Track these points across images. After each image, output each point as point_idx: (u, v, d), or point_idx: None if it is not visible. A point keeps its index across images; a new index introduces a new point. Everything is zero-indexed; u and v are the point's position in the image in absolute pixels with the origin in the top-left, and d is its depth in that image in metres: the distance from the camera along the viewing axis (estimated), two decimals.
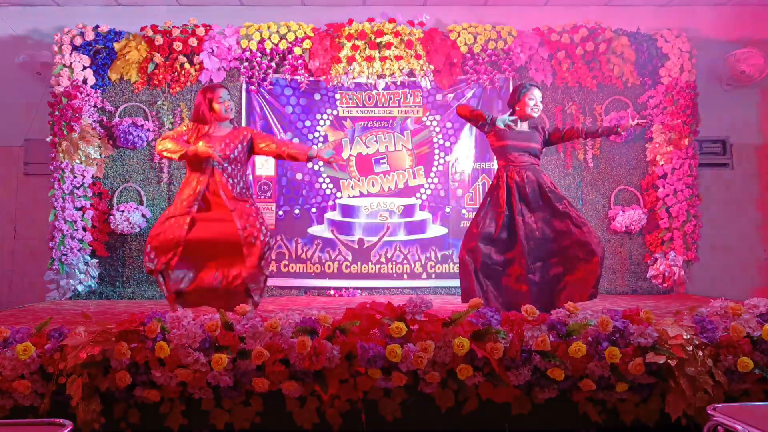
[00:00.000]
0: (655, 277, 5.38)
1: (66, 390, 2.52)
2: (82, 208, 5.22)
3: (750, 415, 1.84)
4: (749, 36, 5.79)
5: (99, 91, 5.39)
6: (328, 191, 5.54)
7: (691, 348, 2.58)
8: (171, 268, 3.64)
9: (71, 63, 5.28)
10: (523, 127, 3.93)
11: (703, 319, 2.73)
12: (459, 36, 5.47)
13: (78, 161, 5.20)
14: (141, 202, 5.39)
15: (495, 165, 5.51)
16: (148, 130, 5.38)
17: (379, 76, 5.49)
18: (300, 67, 5.43)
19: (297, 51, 5.41)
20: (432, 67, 5.46)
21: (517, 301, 3.55)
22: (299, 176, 5.52)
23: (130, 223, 5.25)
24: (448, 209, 5.55)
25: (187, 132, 3.78)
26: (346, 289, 5.39)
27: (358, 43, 5.42)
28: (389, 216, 5.51)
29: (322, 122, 5.57)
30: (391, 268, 5.48)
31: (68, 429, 1.81)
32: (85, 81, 5.32)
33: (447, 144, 5.58)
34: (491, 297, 3.70)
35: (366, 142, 5.57)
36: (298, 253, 5.46)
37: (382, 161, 5.57)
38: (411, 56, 5.44)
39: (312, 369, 2.54)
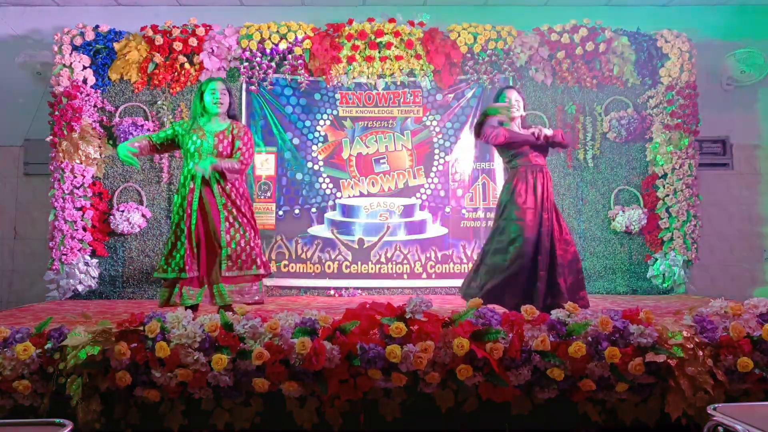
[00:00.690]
0: (655, 277, 5.38)
1: (66, 390, 2.52)
2: (82, 208, 5.22)
3: (750, 415, 1.84)
4: (749, 36, 5.80)
5: (99, 91, 5.39)
6: (328, 191, 5.54)
7: (691, 348, 2.58)
8: None
9: (71, 63, 5.28)
10: (516, 128, 3.90)
11: (703, 319, 2.73)
12: (459, 36, 5.47)
13: (78, 161, 5.20)
14: (141, 202, 5.39)
15: (495, 165, 5.53)
16: (148, 130, 5.38)
17: (379, 76, 5.49)
18: (300, 67, 5.43)
19: (297, 51, 5.41)
20: (432, 67, 5.46)
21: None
22: (299, 176, 5.53)
23: (130, 223, 5.25)
24: (448, 209, 5.55)
25: (171, 131, 3.86)
26: (346, 289, 5.39)
27: (358, 43, 5.42)
28: (389, 216, 5.51)
29: (322, 122, 5.57)
30: (391, 268, 5.48)
31: (68, 429, 1.81)
32: (85, 81, 5.32)
33: (447, 144, 5.58)
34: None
35: (366, 142, 5.57)
36: (298, 253, 5.46)
37: (382, 161, 5.57)
38: (411, 56, 5.44)
39: (312, 369, 2.54)
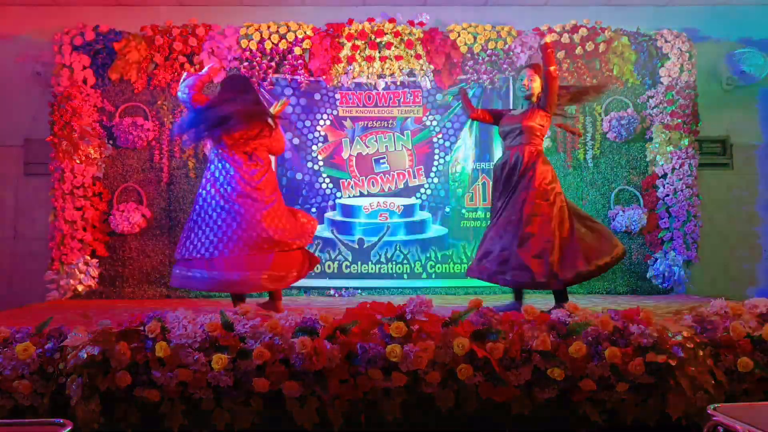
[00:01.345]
0: (655, 277, 5.38)
1: (66, 390, 2.51)
2: (82, 208, 5.22)
3: (750, 415, 1.84)
4: (749, 36, 5.80)
5: (99, 91, 5.39)
6: (328, 191, 5.54)
7: (691, 348, 2.58)
8: None
9: (71, 63, 5.28)
10: (524, 106, 3.98)
11: (703, 319, 2.73)
12: (459, 36, 5.47)
13: (78, 161, 5.20)
14: (141, 202, 5.39)
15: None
16: (148, 130, 5.38)
17: (379, 76, 5.49)
18: (300, 67, 5.43)
19: (297, 51, 5.41)
20: (432, 67, 5.46)
21: None
22: (299, 176, 5.53)
23: (130, 223, 5.25)
24: (448, 209, 5.55)
25: None
26: (346, 289, 5.39)
27: (358, 43, 5.42)
28: (389, 216, 5.51)
29: (322, 122, 5.57)
30: (391, 268, 5.48)
31: (68, 429, 1.81)
32: (85, 81, 5.32)
33: (447, 144, 5.58)
34: None
35: (366, 142, 5.57)
36: None
37: (382, 161, 5.57)
38: (411, 56, 5.44)
39: (312, 369, 2.54)
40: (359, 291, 5.38)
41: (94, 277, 5.26)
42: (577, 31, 5.43)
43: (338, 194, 5.53)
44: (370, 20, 5.49)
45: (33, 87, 5.60)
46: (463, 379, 2.58)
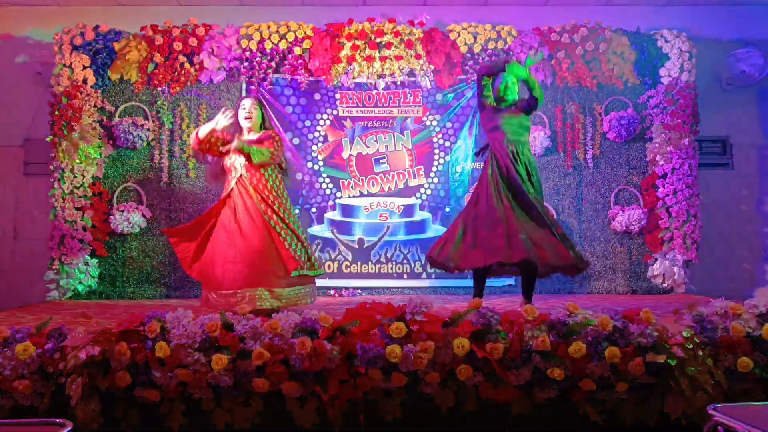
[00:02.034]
0: (655, 277, 5.38)
1: (66, 390, 2.51)
2: (82, 208, 5.22)
3: (750, 415, 1.84)
4: (749, 36, 5.80)
5: (99, 91, 5.39)
6: (328, 191, 5.54)
7: (691, 348, 2.58)
8: None
9: (71, 63, 5.28)
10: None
11: (703, 319, 2.73)
12: (459, 36, 5.47)
13: (78, 161, 5.20)
14: (141, 202, 5.39)
15: None
16: (148, 130, 5.38)
17: (379, 76, 5.49)
18: (300, 67, 5.43)
19: (297, 51, 5.41)
20: (432, 67, 5.46)
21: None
22: (299, 176, 5.53)
23: (130, 223, 5.25)
24: (448, 209, 5.55)
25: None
26: (346, 289, 5.39)
27: (358, 43, 5.42)
28: (389, 216, 5.51)
29: (322, 122, 5.57)
30: (391, 268, 5.48)
31: (68, 429, 1.81)
32: (85, 81, 5.31)
33: (447, 144, 5.58)
34: None
35: (366, 142, 5.57)
36: None
37: (382, 161, 5.57)
38: (411, 56, 5.44)
39: (312, 369, 2.54)
40: (359, 291, 5.38)
41: (94, 277, 5.26)
42: (577, 31, 5.43)
43: (338, 194, 5.53)
44: (370, 20, 5.49)
45: (33, 87, 5.60)
46: (463, 380, 2.58)
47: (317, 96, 5.56)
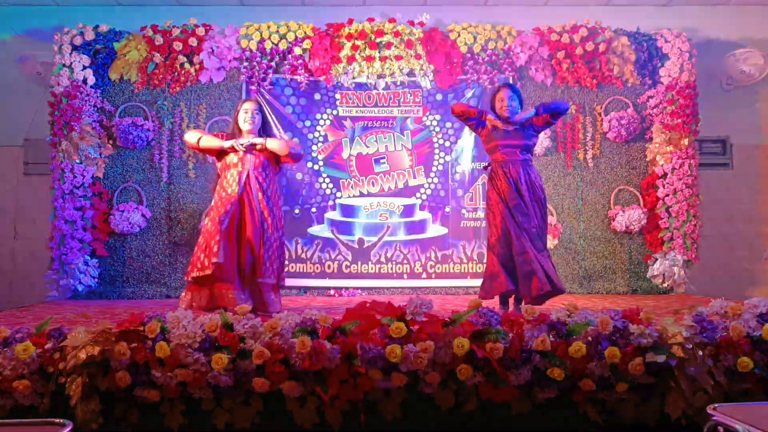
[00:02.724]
0: (655, 277, 5.38)
1: (66, 390, 2.51)
2: (82, 208, 5.22)
3: (750, 415, 1.84)
4: (749, 36, 5.80)
5: (99, 91, 5.40)
6: (328, 191, 5.54)
7: (691, 348, 2.58)
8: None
9: (71, 63, 5.28)
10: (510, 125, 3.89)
11: (703, 319, 2.73)
12: (459, 36, 5.48)
13: (78, 161, 5.20)
14: (141, 202, 5.39)
15: None
16: (148, 130, 5.38)
17: (379, 76, 5.50)
18: (300, 67, 5.44)
19: (297, 51, 5.41)
20: (432, 67, 5.47)
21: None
22: (299, 176, 5.53)
23: (130, 223, 5.25)
24: (448, 209, 5.55)
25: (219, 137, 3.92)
26: (346, 289, 5.39)
27: (358, 43, 5.42)
28: (389, 216, 5.51)
29: (322, 122, 5.57)
30: (391, 268, 5.48)
31: (68, 429, 1.81)
32: (85, 81, 5.32)
33: (447, 144, 5.58)
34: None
35: (366, 142, 5.57)
36: (298, 253, 5.46)
37: (382, 161, 5.57)
38: (411, 56, 5.44)
39: (312, 369, 2.54)
40: (359, 291, 5.38)
41: (94, 277, 5.26)
42: (577, 31, 5.43)
43: (338, 194, 5.53)
44: (370, 20, 5.50)
45: (33, 87, 5.60)
46: (463, 380, 2.58)
47: (317, 96, 5.56)
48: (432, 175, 5.56)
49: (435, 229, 5.54)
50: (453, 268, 5.48)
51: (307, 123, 5.55)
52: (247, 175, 3.81)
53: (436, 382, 2.61)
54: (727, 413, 1.86)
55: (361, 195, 5.54)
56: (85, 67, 5.32)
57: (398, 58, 5.42)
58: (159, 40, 5.35)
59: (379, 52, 5.44)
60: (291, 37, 5.41)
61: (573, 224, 5.47)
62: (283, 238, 3.95)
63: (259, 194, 3.80)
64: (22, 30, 5.74)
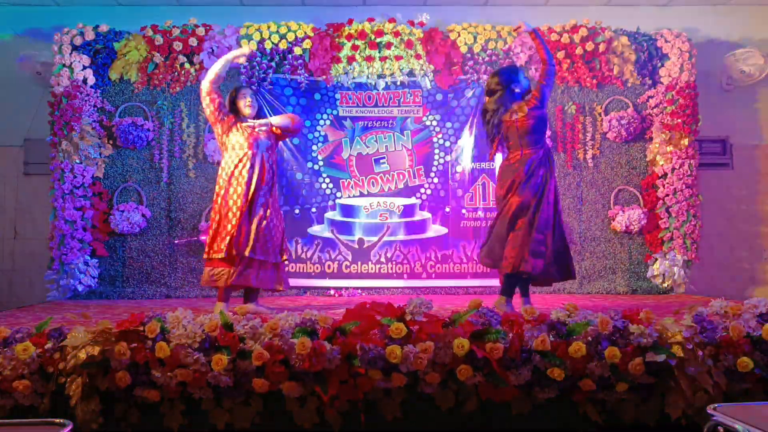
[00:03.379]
0: (655, 277, 5.38)
1: (66, 390, 2.52)
2: (82, 208, 5.22)
3: (750, 414, 1.84)
4: (749, 36, 5.80)
5: (99, 91, 5.39)
6: (328, 191, 5.54)
7: (691, 348, 2.58)
8: None
9: (71, 63, 5.28)
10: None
11: (703, 319, 2.73)
12: (459, 36, 5.47)
13: (78, 161, 5.20)
14: (141, 202, 5.39)
15: (495, 165, 5.53)
16: (148, 130, 5.38)
17: (379, 76, 5.49)
18: (300, 67, 5.43)
19: (297, 51, 5.41)
20: (432, 67, 5.46)
21: None
22: (299, 176, 5.53)
23: (130, 223, 5.25)
24: (448, 209, 5.55)
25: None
26: (346, 289, 5.39)
27: (358, 43, 5.42)
28: (389, 216, 5.51)
29: (322, 122, 5.57)
30: (391, 268, 5.48)
31: (68, 429, 1.81)
32: (85, 81, 5.31)
33: (447, 144, 5.58)
34: None
35: (366, 142, 5.57)
36: (298, 253, 5.46)
37: (382, 161, 5.57)
38: (411, 56, 5.44)
39: (312, 370, 2.54)
40: (359, 291, 5.38)
41: (94, 277, 5.26)
42: (577, 31, 5.43)
43: (338, 194, 5.53)
44: (370, 20, 5.49)
45: (33, 87, 5.60)
46: (463, 380, 2.58)
47: (317, 96, 5.56)
48: (432, 175, 5.56)
49: (435, 229, 5.54)
50: (453, 268, 5.48)
51: (307, 123, 5.55)
52: (261, 158, 3.94)
53: (436, 382, 2.62)
54: (727, 413, 1.86)
55: (361, 195, 5.54)
56: (85, 67, 5.32)
57: (398, 58, 5.42)
58: (159, 40, 5.35)
59: (379, 52, 5.44)
60: (291, 37, 5.41)
61: (573, 224, 5.47)
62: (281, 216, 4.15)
63: (268, 175, 3.96)
64: (22, 30, 5.74)
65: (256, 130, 3.95)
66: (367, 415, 2.65)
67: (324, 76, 5.46)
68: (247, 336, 2.61)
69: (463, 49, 5.47)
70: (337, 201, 5.53)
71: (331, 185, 5.54)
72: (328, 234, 5.49)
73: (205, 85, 3.98)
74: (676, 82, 5.41)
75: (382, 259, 5.48)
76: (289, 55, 5.44)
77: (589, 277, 5.41)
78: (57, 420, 1.88)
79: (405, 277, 5.48)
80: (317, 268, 5.45)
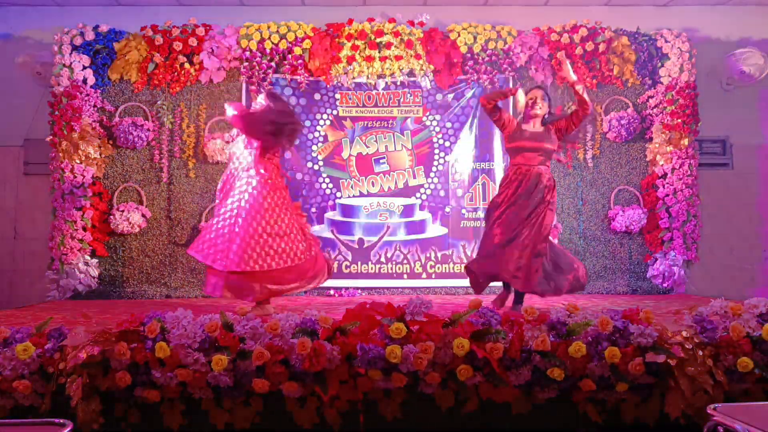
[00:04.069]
0: (655, 277, 5.38)
1: (66, 390, 2.52)
2: (82, 208, 5.22)
3: (750, 414, 1.84)
4: (749, 36, 5.80)
5: (99, 91, 5.39)
6: (328, 191, 5.54)
7: (691, 348, 2.58)
8: None
9: (71, 63, 5.28)
10: (537, 127, 3.95)
11: (703, 319, 2.73)
12: (459, 36, 5.47)
13: (78, 161, 5.20)
14: (141, 202, 5.39)
15: (495, 165, 5.55)
16: (148, 130, 5.38)
17: (379, 76, 5.49)
18: (300, 67, 5.43)
19: (297, 51, 5.41)
20: (432, 67, 5.46)
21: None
22: (299, 176, 5.53)
23: (130, 223, 5.25)
24: (448, 209, 5.55)
25: None
26: (346, 289, 5.39)
27: (358, 43, 5.42)
28: (389, 216, 5.51)
29: (322, 122, 5.57)
30: (391, 268, 5.48)
31: (68, 429, 1.81)
32: (85, 81, 5.31)
33: (447, 144, 5.58)
34: None
35: (366, 142, 5.57)
36: None
37: (382, 161, 5.57)
38: (411, 56, 5.44)
39: (312, 370, 2.54)
40: (359, 291, 5.38)
41: (94, 277, 5.26)
42: (577, 31, 5.43)
43: (338, 194, 5.53)
44: (370, 20, 5.49)
45: (33, 87, 5.60)
46: (463, 380, 2.58)
47: (317, 96, 5.56)
48: (432, 175, 5.56)
49: (435, 229, 5.54)
50: (453, 268, 5.48)
51: (307, 123, 5.55)
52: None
53: (436, 382, 2.62)
54: (727, 413, 1.86)
55: (361, 195, 5.54)
56: (85, 67, 5.32)
57: (398, 58, 5.42)
58: (159, 40, 5.35)
59: (379, 52, 5.44)
60: (291, 37, 5.41)
61: (573, 224, 5.47)
62: None
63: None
64: (22, 30, 5.74)
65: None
66: (367, 415, 2.65)
67: (324, 76, 5.46)
68: (247, 336, 2.61)
69: (463, 49, 5.47)
70: (337, 201, 5.53)
71: (331, 185, 5.54)
72: (328, 234, 5.49)
73: None
74: (676, 82, 5.41)
75: (382, 259, 5.48)
76: (289, 55, 5.44)
77: (589, 277, 5.41)
78: (57, 420, 1.88)
79: (405, 277, 5.48)
80: None
